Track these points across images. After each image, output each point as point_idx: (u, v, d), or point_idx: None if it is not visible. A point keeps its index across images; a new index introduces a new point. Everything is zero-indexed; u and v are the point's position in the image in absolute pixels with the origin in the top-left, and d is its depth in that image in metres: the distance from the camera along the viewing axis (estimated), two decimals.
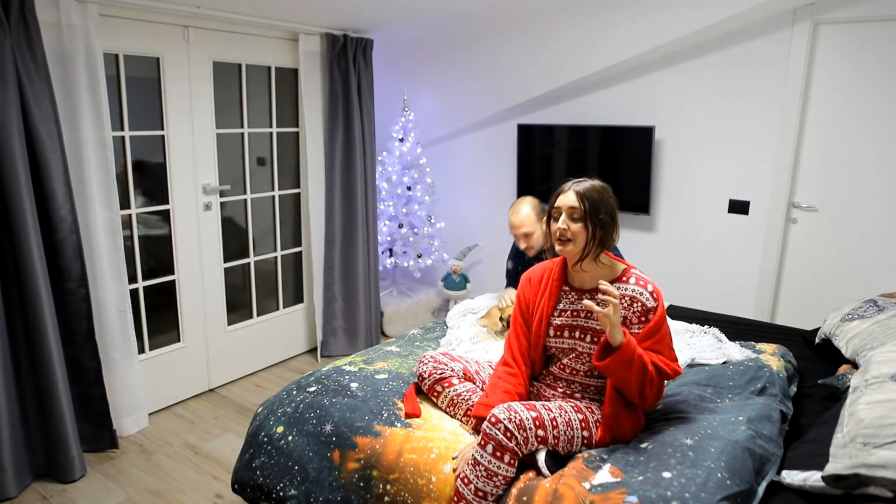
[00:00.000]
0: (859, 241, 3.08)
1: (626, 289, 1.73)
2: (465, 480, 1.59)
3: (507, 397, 1.78)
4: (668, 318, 2.74)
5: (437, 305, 4.48)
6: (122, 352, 2.82)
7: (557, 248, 1.75)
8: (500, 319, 2.62)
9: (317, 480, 1.78)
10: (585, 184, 1.72)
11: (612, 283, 1.75)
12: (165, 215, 3.07)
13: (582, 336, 1.78)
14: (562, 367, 1.85)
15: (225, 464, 2.69)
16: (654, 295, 1.71)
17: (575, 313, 1.80)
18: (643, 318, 1.70)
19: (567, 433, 1.67)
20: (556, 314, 1.83)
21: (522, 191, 3.99)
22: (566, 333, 1.81)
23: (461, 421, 1.85)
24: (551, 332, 1.83)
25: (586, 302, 1.60)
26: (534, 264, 2.77)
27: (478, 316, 2.75)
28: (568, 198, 1.70)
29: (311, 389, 2.01)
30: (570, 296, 1.82)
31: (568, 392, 1.84)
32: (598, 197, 1.70)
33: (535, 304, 1.88)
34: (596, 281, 1.77)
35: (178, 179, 3.07)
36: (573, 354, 1.81)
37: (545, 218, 1.79)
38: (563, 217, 1.70)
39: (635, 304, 1.71)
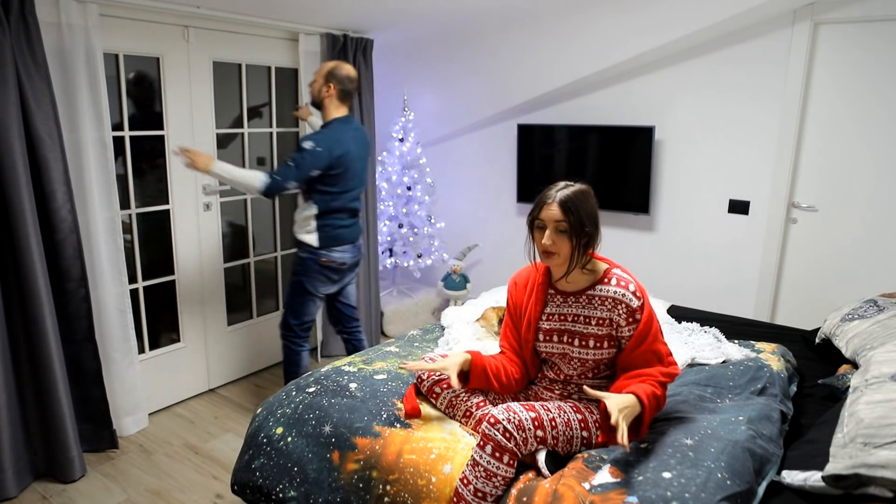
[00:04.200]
0: (859, 241, 3.07)
1: (608, 290, 1.72)
2: (465, 481, 1.58)
3: (494, 361, 1.85)
4: (669, 317, 2.77)
5: (437, 305, 4.48)
6: (122, 352, 2.82)
7: (542, 260, 1.74)
8: (499, 321, 2.61)
9: (316, 481, 1.78)
10: (568, 192, 1.67)
11: (594, 285, 1.75)
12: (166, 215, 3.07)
13: (570, 340, 1.78)
14: (557, 371, 1.85)
15: (225, 464, 2.69)
16: (638, 293, 1.71)
17: (562, 317, 1.80)
18: (631, 319, 1.70)
19: (566, 433, 1.67)
20: (543, 318, 1.83)
21: (522, 191, 3.99)
22: (555, 338, 1.81)
23: (460, 422, 1.85)
24: (541, 337, 1.83)
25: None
26: None
27: (473, 318, 2.74)
28: (552, 211, 1.66)
29: (311, 390, 2.00)
30: (556, 299, 1.82)
31: (565, 394, 1.84)
32: (582, 207, 1.66)
33: (522, 307, 1.88)
34: (581, 284, 1.77)
35: (178, 179, 3.07)
36: (566, 359, 1.81)
37: (528, 223, 1.77)
38: (548, 232, 1.67)
39: (619, 307, 1.70)
